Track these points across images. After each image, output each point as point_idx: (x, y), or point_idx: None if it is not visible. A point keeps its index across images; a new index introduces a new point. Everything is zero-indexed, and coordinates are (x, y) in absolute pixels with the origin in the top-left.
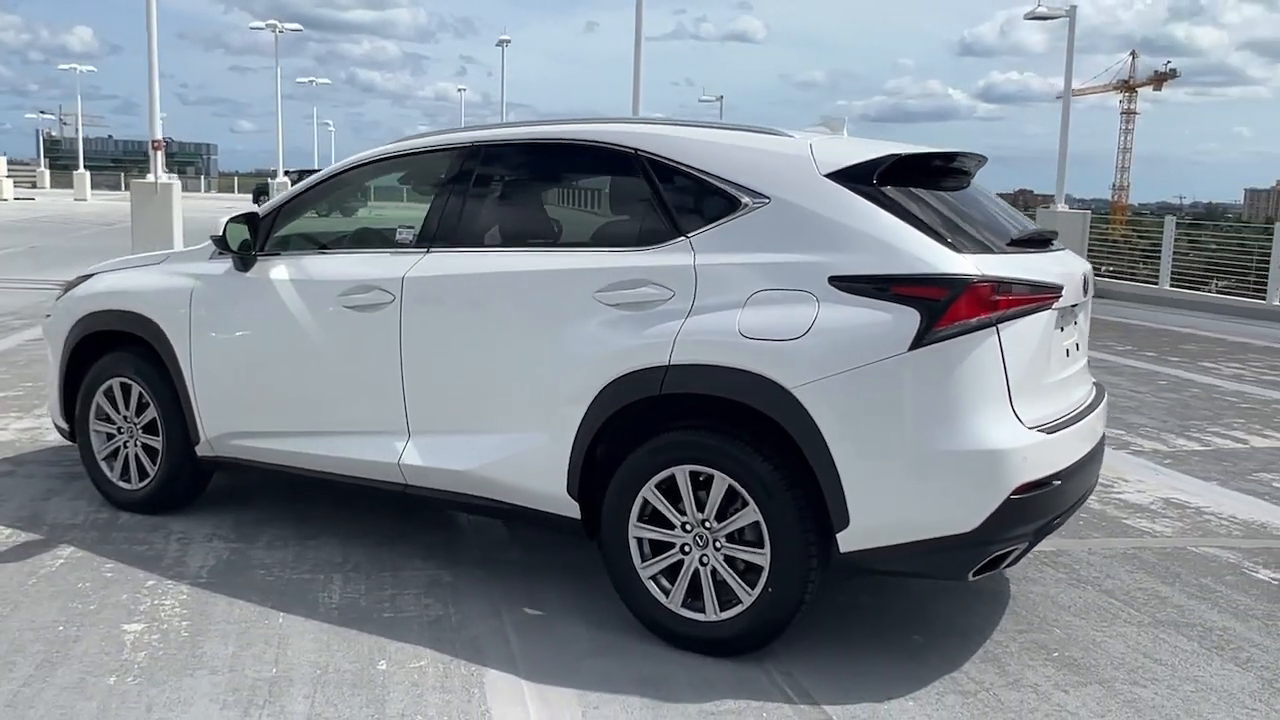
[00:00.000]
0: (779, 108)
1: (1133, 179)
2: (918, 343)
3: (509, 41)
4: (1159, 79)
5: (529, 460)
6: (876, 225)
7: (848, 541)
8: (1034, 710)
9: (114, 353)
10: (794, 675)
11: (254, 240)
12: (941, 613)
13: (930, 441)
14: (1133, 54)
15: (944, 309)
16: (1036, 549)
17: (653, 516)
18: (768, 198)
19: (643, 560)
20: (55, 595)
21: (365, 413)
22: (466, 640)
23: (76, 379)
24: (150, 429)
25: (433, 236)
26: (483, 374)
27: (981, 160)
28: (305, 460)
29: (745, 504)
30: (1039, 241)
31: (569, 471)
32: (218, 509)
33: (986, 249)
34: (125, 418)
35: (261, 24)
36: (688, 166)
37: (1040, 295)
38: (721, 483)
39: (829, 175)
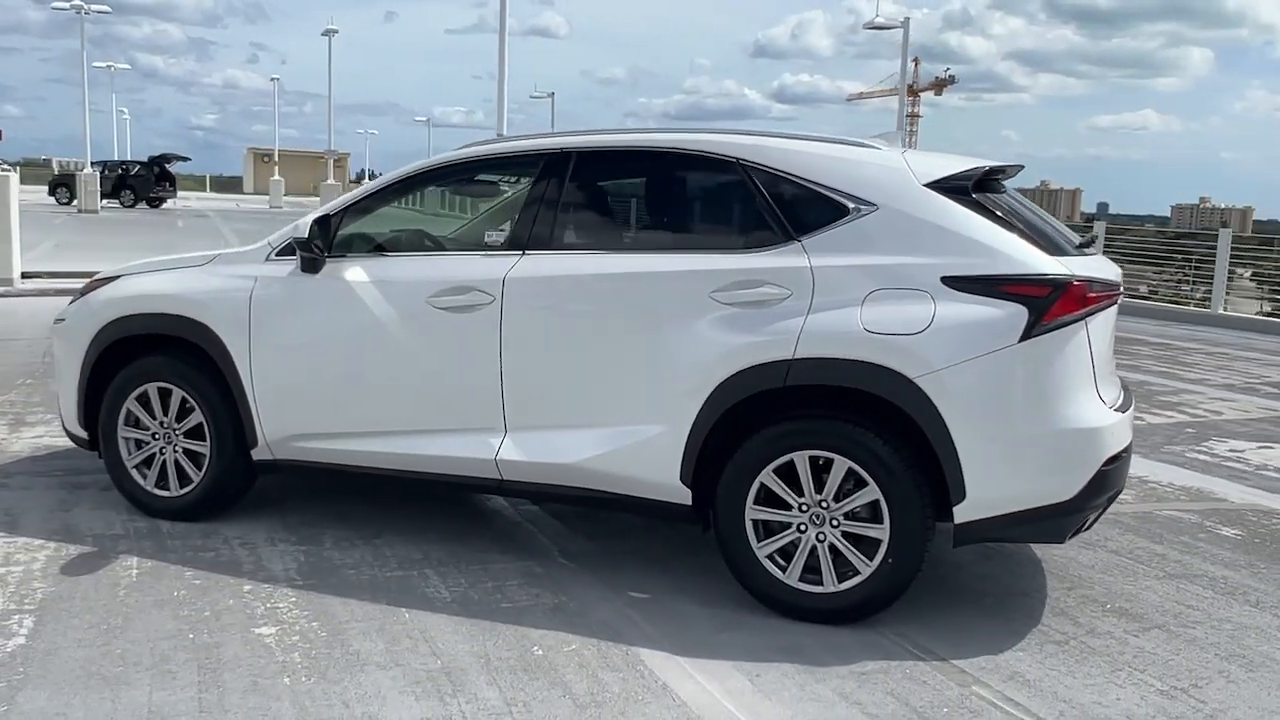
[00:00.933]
0: (582, 104)
1: None
2: (1026, 335)
3: (336, 32)
4: (939, 84)
5: (642, 451)
6: (977, 230)
7: (963, 513)
8: (1121, 652)
9: (149, 357)
10: (908, 636)
11: (325, 243)
12: (993, 576)
13: (1037, 422)
14: (915, 60)
15: (1048, 306)
16: None
17: (768, 499)
18: (875, 205)
19: (759, 541)
20: (159, 605)
21: (457, 411)
22: (598, 624)
23: (99, 384)
24: (194, 434)
25: (527, 239)
26: (592, 371)
27: (1019, 169)
28: (383, 459)
29: (865, 484)
30: (1084, 244)
31: (683, 460)
32: (255, 513)
33: (1064, 252)
34: (162, 423)
35: (66, 4)
36: (792, 175)
37: (1111, 292)
38: (841, 465)
39: (927, 185)
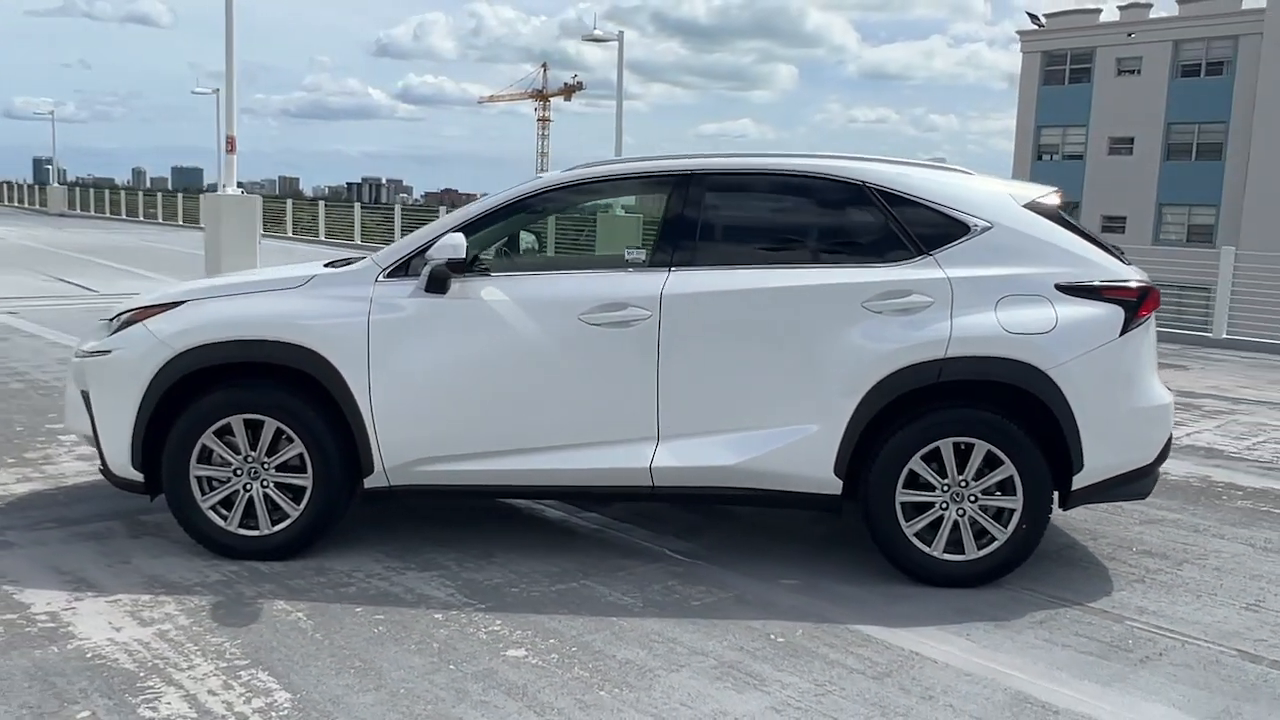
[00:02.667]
0: (186, 98)
1: None
2: (1123, 331)
3: None
4: (569, 90)
5: (798, 449)
6: (1071, 244)
7: (1080, 481)
8: (1185, 582)
9: (229, 388)
10: (1036, 590)
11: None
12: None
13: (1130, 401)
14: (544, 66)
15: (1138, 306)
16: None
17: (914, 482)
18: (991, 223)
19: (906, 520)
20: (379, 641)
21: (609, 423)
22: (792, 609)
23: (161, 420)
24: (290, 466)
25: (670, 256)
26: (748, 378)
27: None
28: (523, 476)
29: (1000, 463)
30: (1121, 254)
31: (838, 454)
32: (333, 547)
33: (1125, 260)
34: (248, 458)
35: None
36: (916, 197)
37: (1157, 294)
38: (981, 449)
39: (1025, 206)
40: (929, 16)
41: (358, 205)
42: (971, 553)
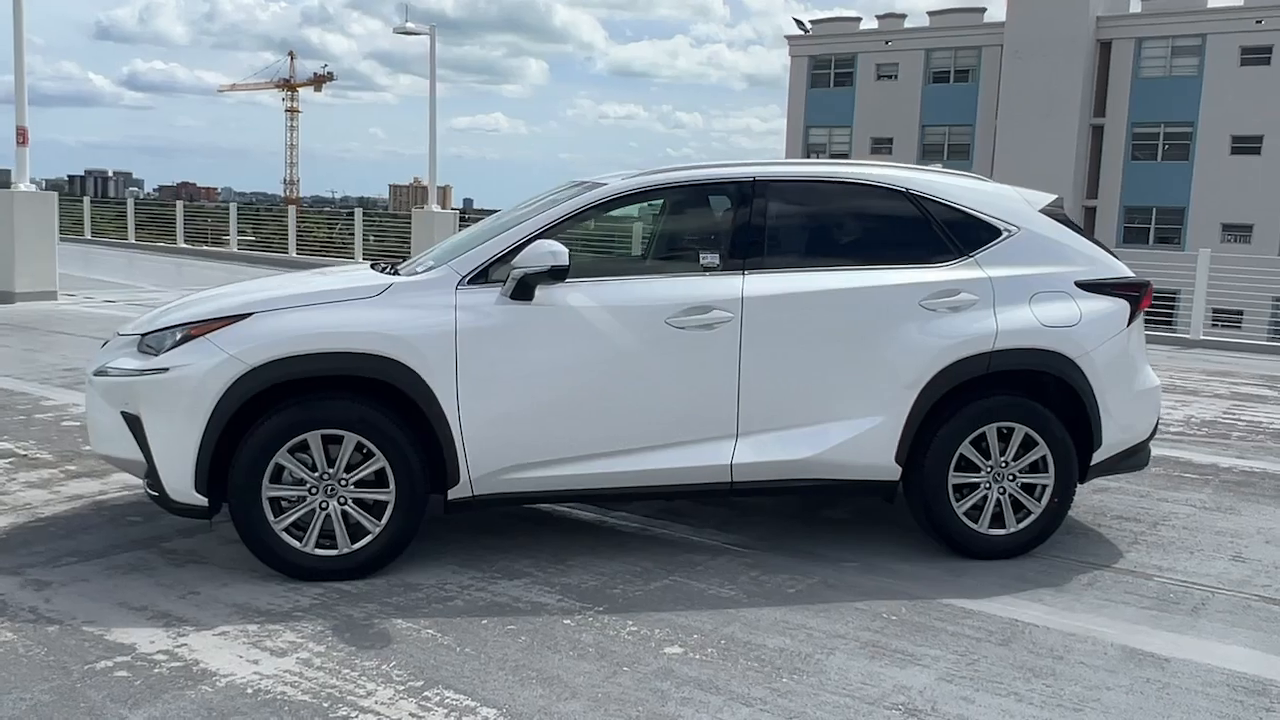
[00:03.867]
0: None
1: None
2: (1129, 322)
3: None
4: (318, 80)
5: (865, 440)
6: (1081, 245)
7: (1096, 457)
8: (1169, 540)
9: (306, 404)
10: (1064, 557)
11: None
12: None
13: (1135, 384)
14: (291, 55)
15: (1139, 300)
16: None
17: (962, 465)
18: (1019, 227)
19: (957, 501)
20: (530, 651)
21: (693, 423)
22: (877, 589)
23: (227, 439)
24: (370, 482)
25: (743, 260)
26: (820, 374)
27: None
28: (605, 480)
29: (1035, 444)
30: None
31: (899, 443)
32: (401, 562)
33: (1117, 258)
34: (325, 475)
35: None
36: (953, 203)
37: (1152, 289)
38: (1020, 432)
39: (1040, 211)
40: (672, 17)
41: (87, 200)
42: (1012, 526)
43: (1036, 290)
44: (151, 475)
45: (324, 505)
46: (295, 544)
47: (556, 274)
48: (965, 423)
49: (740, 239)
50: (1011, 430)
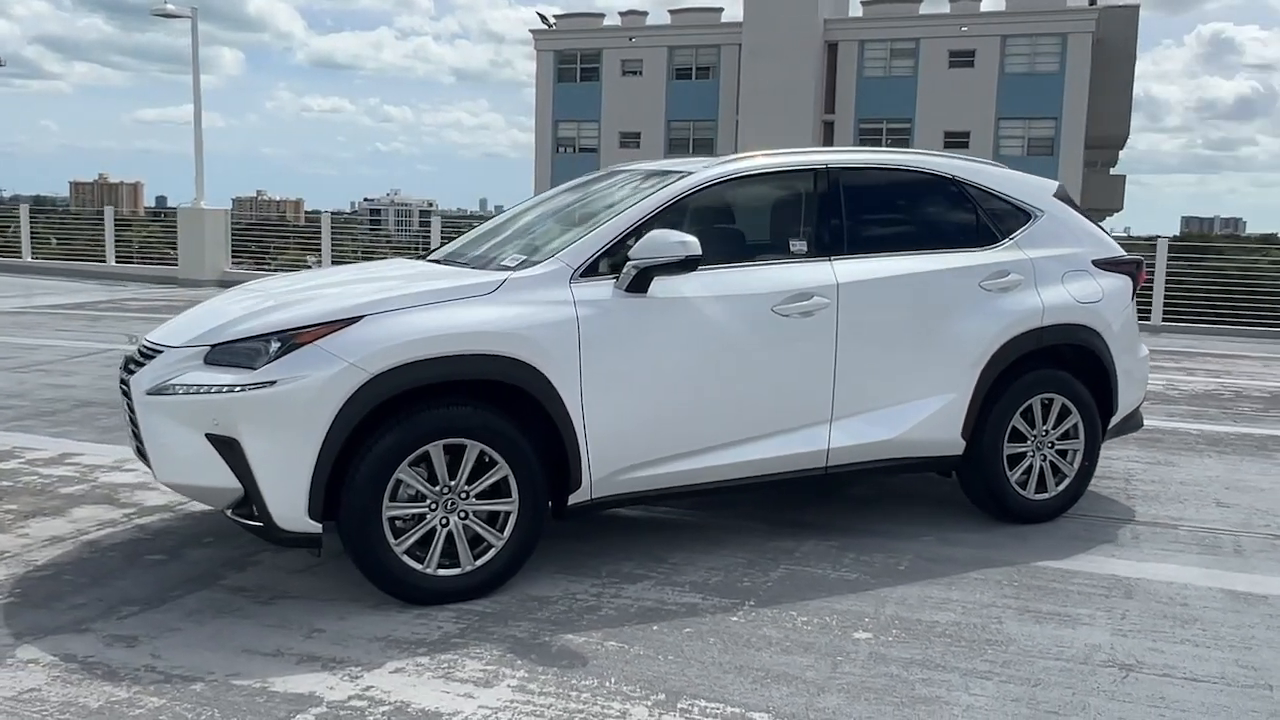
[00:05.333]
0: None
1: None
2: (1132, 296)
3: None
4: None
5: (939, 417)
6: (1088, 226)
7: (1113, 421)
8: (1151, 494)
9: (428, 412)
10: (1091, 515)
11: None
12: None
13: (1137, 354)
14: None
15: (1138, 276)
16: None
17: (1014, 437)
18: (1043, 211)
19: (1009, 470)
20: (741, 650)
21: (796, 410)
22: (974, 560)
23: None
24: (487, 493)
25: (826, 246)
26: (903, 355)
27: None
28: (715, 473)
29: (1069, 413)
30: None
31: (965, 418)
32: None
33: None
34: (447, 488)
35: None
36: (990, 189)
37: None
38: (1058, 402)
39: (1053, 195)
40: (375, 8)
41: None
42: (1053, 490)
43: (1066, 269)
44: (253, 503)
45: (444, 521)
46: (417, 566)
47: (686, 265)
48: (1017, 396)
49: (824, 226)
50: (1051, 401)
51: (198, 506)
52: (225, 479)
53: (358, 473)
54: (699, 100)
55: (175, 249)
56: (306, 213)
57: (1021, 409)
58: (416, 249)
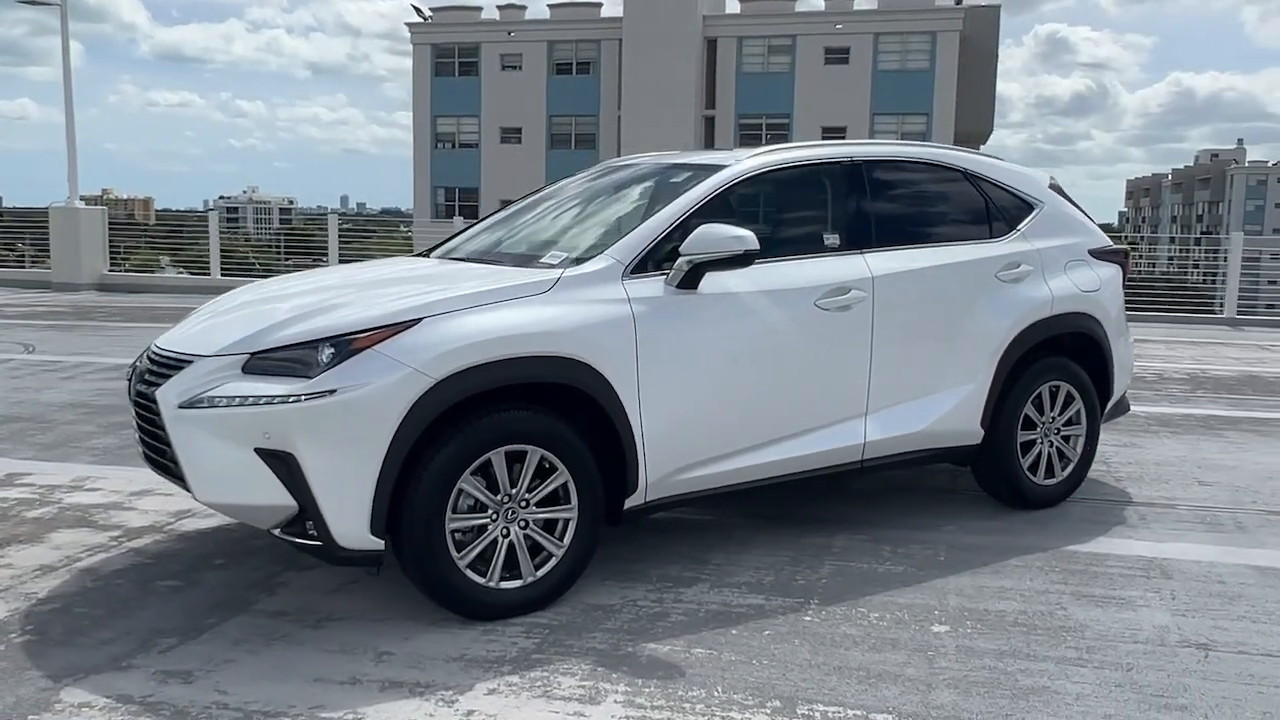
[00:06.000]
0: None
1: None
2: (1122, 284)
3: None
4: None
5: (961, 408)
6: (1080, 216)
7: (1108, 405)
8: (1156, 471)
9: (490, 417)
10: (1095, 499)
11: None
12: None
13: (1128, 339)
14: None
15: (1126, 265)
16: None
17: (1025, 424)
18: (1043, 202)
19: (1023, 457)
20: (833, 649)
21: (835, 405)
22: (1006, 549)
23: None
24: (549, 499)
25: (856, 239)
26: (930, 347)
27: None
28: (760, 471)
29: (1074, 400)
30: None
31: (984, 408)
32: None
33: None
34: (508, 497)
35: None
36: (998, 181)
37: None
38: (1064, 389)
39: (1048, 187)
40: (223, 0)
41: None
42: (1059, 475)
43: (1068, 259)
44: (307, 521)
45: (505, 532)
46: (480, 580)
47: (743, 260)
48: (1029, 384)
49: (856, 218)
50: (1059, 388)
51: (189, 526)
52: (278, 496)
53: (420, 484)
54: (580, 95)
55: (13, 250)
56: (158, 212)
57: (1032, 397)
58: (276, 249)
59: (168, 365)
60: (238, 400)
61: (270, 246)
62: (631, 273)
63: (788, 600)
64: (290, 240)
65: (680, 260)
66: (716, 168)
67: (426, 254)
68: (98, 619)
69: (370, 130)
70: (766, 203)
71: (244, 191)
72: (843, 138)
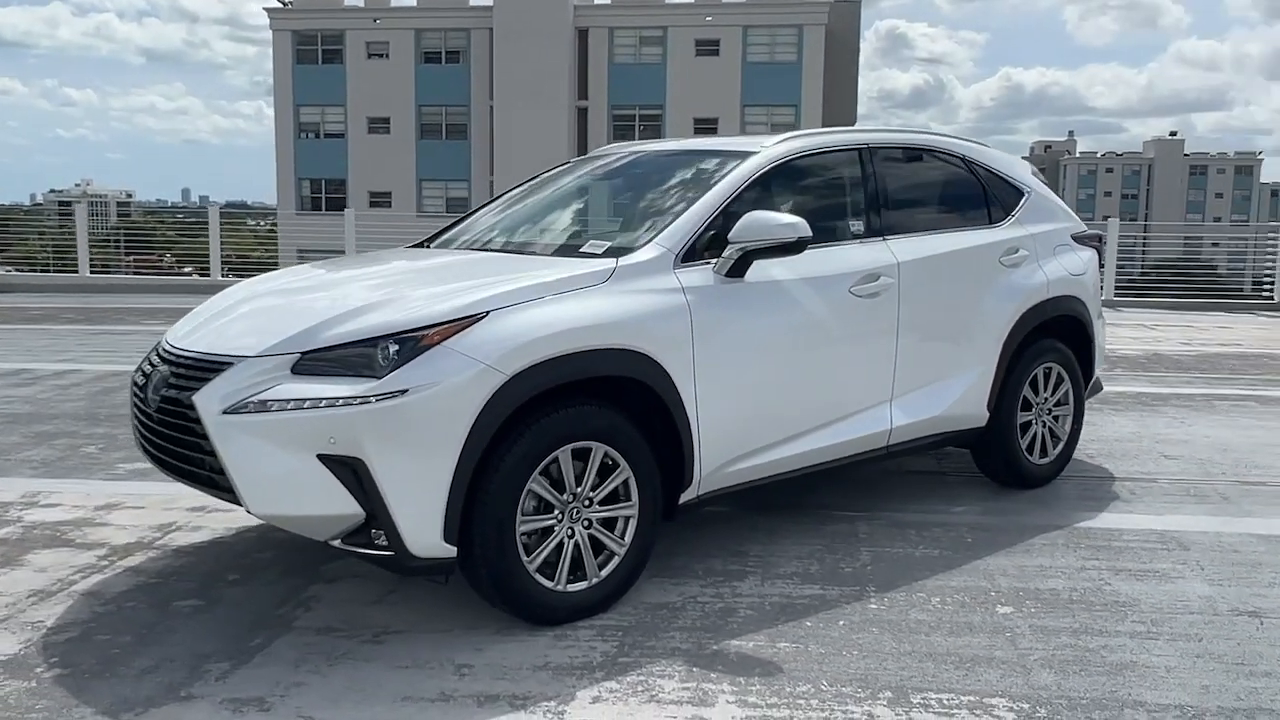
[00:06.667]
0: None
1: None
2: (1096, 266)
3: None
4: None
5: (972, 391)
6: (1060, 202)
7: (1089, 385)
8: (1136, 445)
9: (556, 414)
10: (1081, 476)
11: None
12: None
13: (1103, 320)
14: None
15: (1100, 250)
16: None
17: (1023, 406)
18: (1031, 189)
19: (1022, 438)
20: (911, 635)
21: (866, 391)
22: (1029, 528)
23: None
24: (611, 498)
25: (878, 225)
26: (946, 332)
27: None
28: (799, 461)
29: (1064, 381)
30: None
31: (991, 390)
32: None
33: None
34: (572, 496)
35: None
36: (992, 168)
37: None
38: (1055, 371)
39: (1031, 174)
40: None
41: None
42: (1051, 455)
43: (1056, 244)
44: (373, 530)
45: (570, 532)
46: (548, 584)
47: (795, 247)
48: (1027, 366)
49: (876, 204)
50: (1051, 370)
51: (181, 540)
52: (344, 505)
53: (491, 486)
54: (450, 85)
55: None
56: None
57: (1029, 379)
58: (115, 244)
59: (201, 368)
60: (295, 404)
61: (109, 242)
62: (681, 261)
63: (845, 589)
64: (130, 236)
65: (730, 248)
66: (745, 154)
67: (425, 245)
68: (128, 646)
69: (212, 120)
70: (795, 189)
71: (76, 184)
72: (715, 129)
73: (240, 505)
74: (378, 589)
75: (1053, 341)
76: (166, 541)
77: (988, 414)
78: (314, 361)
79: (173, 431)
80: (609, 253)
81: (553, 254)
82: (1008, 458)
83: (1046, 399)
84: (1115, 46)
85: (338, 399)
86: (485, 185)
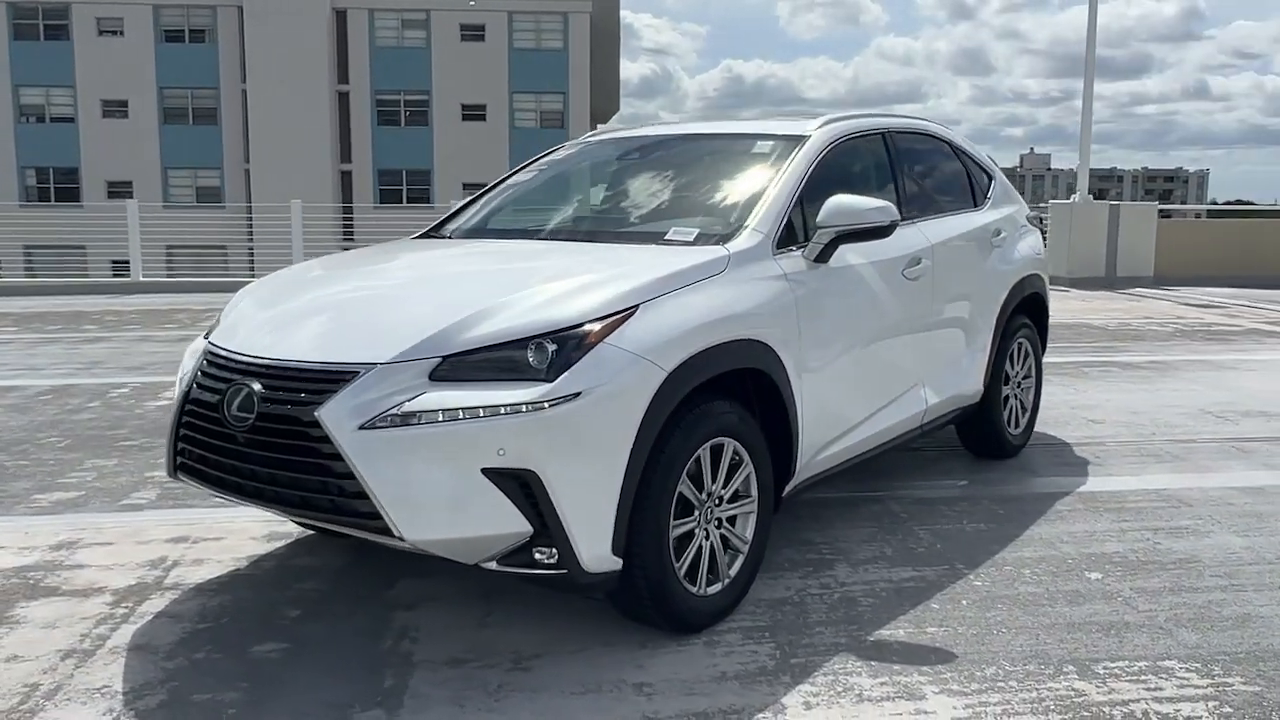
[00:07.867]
0: None
1: None
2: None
3: None
4: None
5: (975, 367)
6: (1010, 187)
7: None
8: (1105, 415)
9: (697, 410)
10: (1035, 446)
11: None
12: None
13: None
14: None
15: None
16: None
17: (1005, 380)
18: (996, 174)
19: (1003, 411)
20: (1040, 605)
21: (911, 373)
22: (1048, 489)
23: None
24: (734, 495)
25: (909, 209)
26: (960, 310)
27: None
28: (861, 445)
29: (1029, 354)
30: None
31: (987, 367)
32: None
33: None
34: (708, 495)
35: None
36: (968, 153)
37: None
38: (1024, 346)
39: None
40: None
41: None
42: (1021, 425)
43: (1020, 226)
44: (541, 547)
45: (705, 534)
46: (693, 589)
47: (884, 231)
48: (1008, 342)
49: (902, 188)
50: (1021, 345)
51: (189, 577)
52: (510, 522)
53: (651, 490)
54: (196, 66)
55: None
56: None
57: (1010, 353)
58: None
59: (318, 379)
60: (452, 415)
61: None
62: (779, 247)
63: (938, 569)
64: None
65: (820, 233)
66: (799, 137)
67: (435, 233)
68: (244, 705)
69: None
70: (843, 173)
71: None
72: (484, 116)
73: (383, 534)
74: (471, 611)
75: (1023, 318)
76: (176, 579)
77: (983, 389)
78: (456, 367)
79: (277, 454)
80: (699, 239)
81: (637, 241)
82: (994, 430)
83: (1018, 372)
84: (824, 41)
85: (504, 406)
86: (241, 173)
